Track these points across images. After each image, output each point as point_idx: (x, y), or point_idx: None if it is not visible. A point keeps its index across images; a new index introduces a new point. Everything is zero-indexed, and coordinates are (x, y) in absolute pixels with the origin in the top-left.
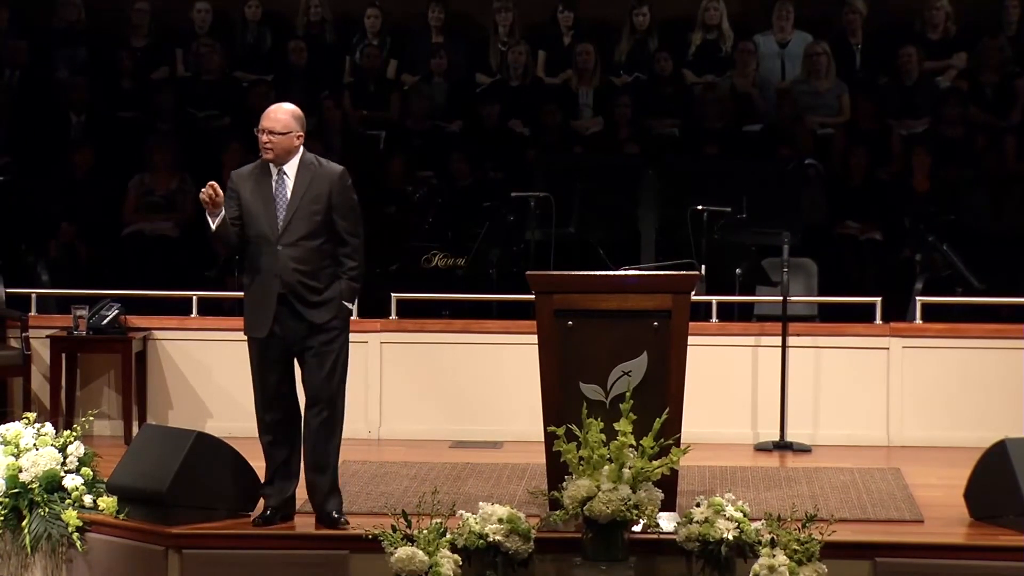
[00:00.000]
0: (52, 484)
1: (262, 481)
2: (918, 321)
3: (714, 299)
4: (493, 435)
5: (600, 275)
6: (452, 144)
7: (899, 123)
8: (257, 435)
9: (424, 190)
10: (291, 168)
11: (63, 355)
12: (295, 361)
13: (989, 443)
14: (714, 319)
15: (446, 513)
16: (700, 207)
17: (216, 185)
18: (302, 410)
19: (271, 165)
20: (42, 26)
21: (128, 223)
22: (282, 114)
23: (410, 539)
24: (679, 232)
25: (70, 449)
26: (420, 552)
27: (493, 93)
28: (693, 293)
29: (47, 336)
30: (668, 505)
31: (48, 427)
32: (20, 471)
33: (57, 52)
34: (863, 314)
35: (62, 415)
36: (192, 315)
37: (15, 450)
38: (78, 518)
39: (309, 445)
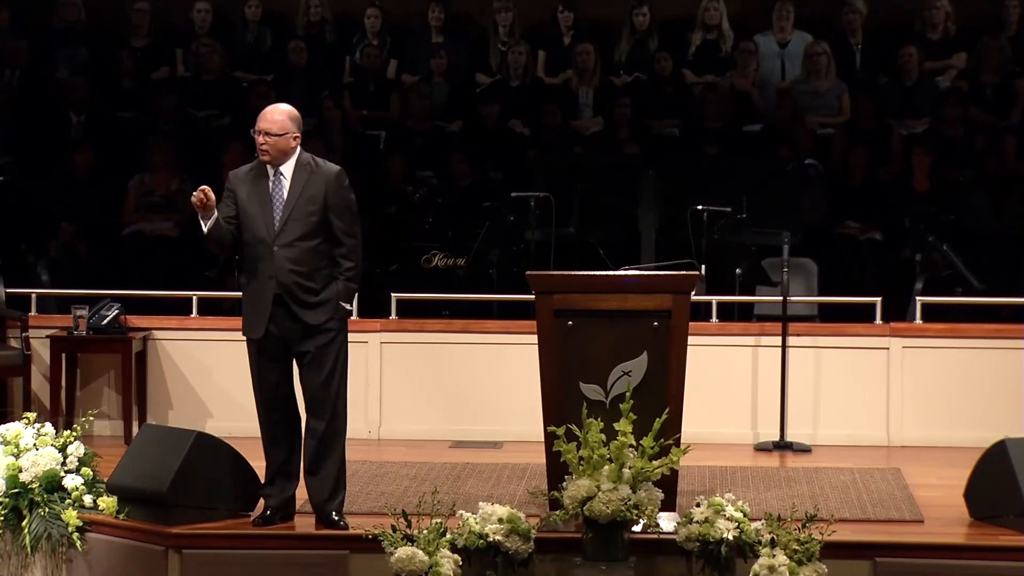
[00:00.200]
0: (52, 484)
1: (262, 481)
2: (918, 321)
3: (714, 299)
4: (493, 435)
5: (600, 275)
6: (452, 144)
7: (899, 123)
8: (257, 435)
9: (424, 190)
10: (288, 169)
11: (63, 355)
12: (294, 362)
13: (989, 443)
14: (714, 319)
15: (446, 513)
16: (700, 207)
17: (208, 189)
18: (302, 411)
19: (268, 166)
20: (42, 26)
21: (128, 223)
22: (278, 115)
23: (410, 539)
24: (679, 232)
25: (70, 449)
26: (420, 552)
27: (493, 93)
28: (693, 293)
29: (47, 336)
30: (668, 505)
31: (48, 427)
32: (20, 471)
33: (57, 52)
34: (863, 314)
35: (62, 415)
36: (192, 315)
37: (15, 450)
38: (78, 518)
39: (310, 451)
